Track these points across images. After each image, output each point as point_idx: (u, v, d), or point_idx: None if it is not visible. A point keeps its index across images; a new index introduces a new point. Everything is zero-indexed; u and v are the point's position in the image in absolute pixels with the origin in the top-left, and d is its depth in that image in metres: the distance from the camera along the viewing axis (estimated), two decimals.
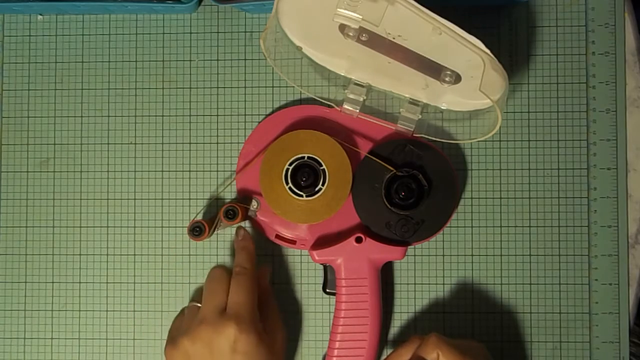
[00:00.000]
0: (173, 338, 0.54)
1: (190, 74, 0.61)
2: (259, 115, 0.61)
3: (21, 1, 0.59)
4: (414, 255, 0.60)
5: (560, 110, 0.59)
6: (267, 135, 0.59)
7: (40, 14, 0.62)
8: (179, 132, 0.61)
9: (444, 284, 0.59)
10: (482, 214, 0.59)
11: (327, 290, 0.57)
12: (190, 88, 0.61)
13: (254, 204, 0.58)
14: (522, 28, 0.60)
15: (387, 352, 0.59)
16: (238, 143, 0.60)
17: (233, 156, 0.60)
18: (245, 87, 0.61)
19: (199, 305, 0.55)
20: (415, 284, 0.60)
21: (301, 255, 0.60)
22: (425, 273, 0.60)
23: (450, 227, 0.59)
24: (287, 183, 0.56)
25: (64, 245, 0.61)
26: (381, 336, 0.58)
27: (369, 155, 0.56)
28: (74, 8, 0.60)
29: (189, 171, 0.61)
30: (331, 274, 0.57)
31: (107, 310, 0.61)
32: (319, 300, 0.60)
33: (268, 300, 0.57)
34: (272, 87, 0.61)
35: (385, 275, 0.59)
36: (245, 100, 0.61)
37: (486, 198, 0.59)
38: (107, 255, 0.61)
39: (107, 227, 0.61)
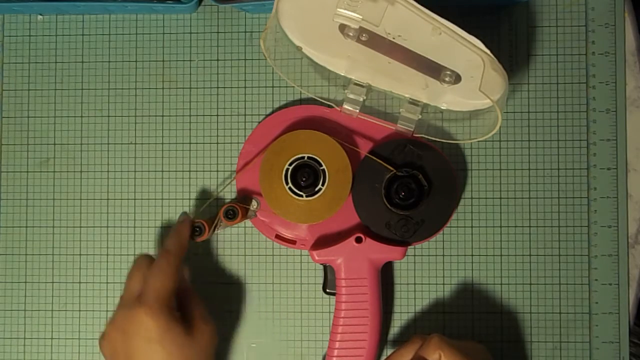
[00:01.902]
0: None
1: (190, 74, 0.61)
2: (259, 115, 0.61)
3: (21, 1, 0.59)
4: (414, 255, 0.60)
5: (560, 110, 0.59)
6: (267, 135, 0.59)
7: (40, 14, 0.62)
8: (179, 132, 0.61)
9: (444, 284, 0.59)
10: (482, 214, 0.59)
11: (327, 290, 0.57)
12: (190, 88, 0.61)
13: (254, 204, 0.58)
14: (522, 28, 0.60)
15: (387, 352, 0.59)
16: (238, 143, 0.60)
17: (233, 156, 0.60)
18: (245, 87, 0.61)
19: None
20: (415, 284, 0.60)
21: (301, 255, 0.60)
22: (425, 273, 0.60)
23: (450, 227, 0.59)
24: (287, 183, 0.56)
25: (64, 245, 0.61)
26: (381, 336, 0.58)
27: (369, 155, 0.56)
28: (74, 8, 0.60)
29: (189, 171, 0.61)
30: (331, 274, 0.57)
31: (107, 310, 0.61)
32: (319, 300, 0.60)
33: (189, 291, 0.55)
34: (272, 87, 0.61)
35: (385, 275, 0.59)
36: (245, 100, 0.61)
37: (486, 198, 0.59)
38: (107, 255, 0.61)
39: (107, 227, 0.61)
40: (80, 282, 0.61)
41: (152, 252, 0.60)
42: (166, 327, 0.50)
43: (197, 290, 0.60)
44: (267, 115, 0.60)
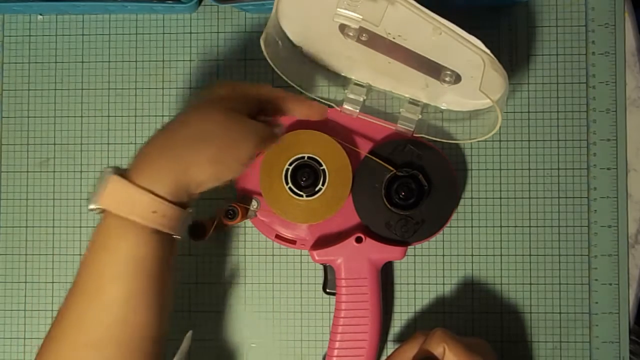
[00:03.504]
0: None
1: (190, 74, 0.61)
2: None
3: (21, 1, 0.59)
4: (414, 255, 0.60)
5: (560, 110, 0.59)
6: None
7: (40, 14, 0.62)
8: None
9: (444, 283, 0.59)
10: (482, 214, 0.59)
11: (327, 290, 0.57)
12: (190, 88, 0.61)
13: (254, 204, 0.58)
14: (522, 28, 0.60)
15: (387, 352, 0.59)
16: None
17: None
18: None
19: None
20: (415, 284, 0.60)
21: (301, 255, 0.60)
22: (425, 273, 0.60)
23: (450, 227, 0.59)
24: (287, 183, 0.56)
25: (64, 245, 0.61)
26: (381, 336, 0.58)
27: (369, 155, 0.56)
28: (74, 8, 0.60)
29: None
30: (331, 274, 0.57)
31: None
32: (319, 300, 0.60)
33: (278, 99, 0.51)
34: (272, 87, 0.61)
35: (385, 275, 0.59)
36: None
37: (486, 198, 0.59)
38: None
39: None
40: None
41: None
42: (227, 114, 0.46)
43: (196, 291, 0.60)
44: None
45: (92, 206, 0.44)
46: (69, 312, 0.44)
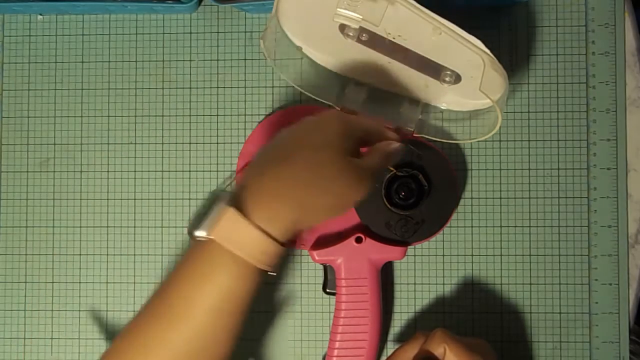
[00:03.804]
0: None
1: (190, 74, 0.61)
2: (259, 115, 0.61)
3: (21, 1, 0.59)
4: (414, 255, 0.60)
5: (560, 110, 0.59)
6: (267, 135, 0.59)
7: (40, 14, 0.62)
8: (179, 132, 0.61)
9: (444, 283, 0.59)
10: (482, 214, 0.59)
11: (327, 290, 0.57)
12: (190, 88, 0.61)
13: None
14: (522, 28, 0.60)
15: (387, 352, 0.59)
16: (238, 143, 0.60)
17: (233, 156, 0.60)
18: (245, 87, 0.61)
19: None
20: (415, 284, 0.60)
21: (301, 255, 0.60)
22: (425, 273, 0.60)
23: (450, 227, 0.59)
24: None
25: (64, 245, 0.61)
26: (381, 336, 0.58)
27: None
28: (74, 8, 0.60)
29: (189, 171, 0.61)
30: (331, 274, 0.57)
31: (107, 311, 0.61)
32: (319, 300, 0.60)
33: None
34: (272, 87, 0.61)
35: (385, 275, 0.59)
36: (245, 100, 0.61)
37: (486, 198, 0.59)
38: (107, 255, 0.61)
39: (107, 227, 0.61)
40: (80, 282, 0.61)
41: (152, 252, 0.60)
42: (342, 138, 0.45)
43: None
44: (267, 115, 0.60)
45: (200, 234, 0.43)
46: (148, 327, 0.44)
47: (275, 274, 0.45)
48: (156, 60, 0.61)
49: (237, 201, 0.43)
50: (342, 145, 0.45)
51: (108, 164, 0.61)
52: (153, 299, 0.44)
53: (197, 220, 0.43)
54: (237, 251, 0.42)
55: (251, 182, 0.44)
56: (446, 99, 0.57)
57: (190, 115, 0.61)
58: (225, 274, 0.43)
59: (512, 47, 0.60)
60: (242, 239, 0.42)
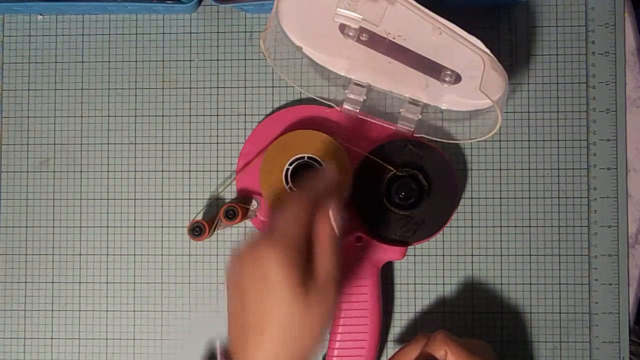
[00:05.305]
0: None
1: (190, 74, 0.61)
2: (259, 115, 0.61)
3: (21, 1, 0.59)
4: (414, 255, 0.60)
5: (560, 110, 0.59)
6: (267, 135, 0.59)
7: (40, 14, 0.62)
8: (179, 132, 0.61)
9: (444, 284, 0.59)
10: (482, 214, 0.59)
11: None
12: (190, 88, 0.61)
13: (254, 204, 0.58)
14: (522, 28, 0.60)
15: (387, 352, 0.59)
16: (238, 143, 0.60)
17: (233, 156, 0.60)
18: (245, 87, 0.61)
19: None
20: (415, 284, 0.60)
21: None
22: (425, 273, 0.60)
23: (450, 227, 0.59)
24: (287, 183, 0.56)
25: (64, 245, 0.61)
26: (381, 336, 0.57)
27: (369, 155, 0.56)
28: (74, 8, 0.60)
29: (189, 171, 0.61)
30: None
31: (107, 310, 0.61)
32: None
33: (327, 239, 0.45)
34: (272, 87, 0.61)
35: (385, 275, 0.59)
36: (245, 100, 0.61)
37: (486, 198, 0.59)
38: (107, 255, 0.61)
39: (107, 227, 0.61)
40: (80, 282, 0.61)
41: (152, 252, 0.60)
42: (288, 274, 0.42)
43: (196, 290, 0.60)
44: (267, 115, 0.60)
45: None
46: None
47: None
48: (156, 60, 0.61)
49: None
50: (289, 279, 0.42)
51: (108, 164, 0.61)
52: None
53: None
54: None
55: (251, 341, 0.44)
56: (446, 99, 0.57)
57: (190, 115, 0.61)
58: None
59: (512, 47, 0.60)
60: None
